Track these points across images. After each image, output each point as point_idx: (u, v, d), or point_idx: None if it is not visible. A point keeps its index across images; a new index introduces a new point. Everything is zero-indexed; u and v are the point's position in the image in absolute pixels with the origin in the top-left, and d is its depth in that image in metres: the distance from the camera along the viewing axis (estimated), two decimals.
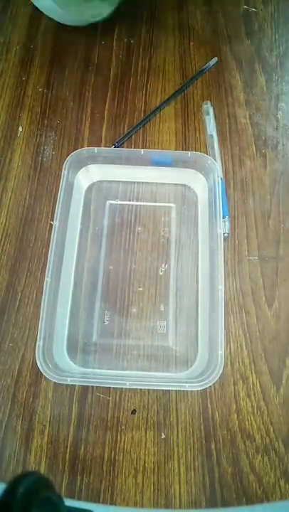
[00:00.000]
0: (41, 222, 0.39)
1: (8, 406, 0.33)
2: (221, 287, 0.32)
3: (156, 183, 0.41)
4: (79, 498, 0.30)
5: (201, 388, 0.30)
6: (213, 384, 0.30)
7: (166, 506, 0.30)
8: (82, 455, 0.32)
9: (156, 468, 0.31)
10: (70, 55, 0.47)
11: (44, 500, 0.20)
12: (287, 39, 0.49)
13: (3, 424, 0.32)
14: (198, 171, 0.39)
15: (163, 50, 0.48)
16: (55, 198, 0.37)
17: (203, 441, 0.32)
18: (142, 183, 0.41)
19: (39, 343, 0.31)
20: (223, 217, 0.36)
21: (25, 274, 0.37)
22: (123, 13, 0.50)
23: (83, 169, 0.39)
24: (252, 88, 0.45)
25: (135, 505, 0.30)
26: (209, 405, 0.33)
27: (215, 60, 0.47)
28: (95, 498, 0.30)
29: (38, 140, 0.43)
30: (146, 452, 0.32)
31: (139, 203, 0.40)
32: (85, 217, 0.39)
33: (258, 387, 0.33)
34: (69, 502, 0.23)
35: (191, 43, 0.48)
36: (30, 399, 0.33)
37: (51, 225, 0.36)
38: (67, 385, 0.33)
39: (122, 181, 0.41)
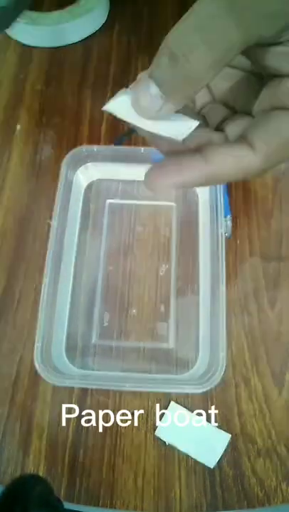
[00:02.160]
0: (40, 221, 0.39)
1: (7, 409, 0.33)
2: (223, 288, 0.32)
3: None
4: (78, 502, 0.30)
5: (202, 391, 0.30)
6: (215, 386, 0.30)
7: (167, 510, 0.30)
8: (82, 458, 0.31)
9: (156, 472, 0.31)
10: (69, 53, 0.47)
11: (43, 503, 0.20)
12: None
13: (2, 427, 0.32)
14: None
15: None
16: (53, 197, 0.36)
17: None
18: (142, 181, 0.40)
19: (37, 345, 0.30)
20: (225, 217, 0.35)
21: (24, 275, 0.37)
22: (123, 10, 0.49)
23: (82, 167, 0.39)
24: None
25: (135, 509, 0.30)
26: (210, 408, 0.32)
27: None
28: (95, 502, 0.30)
29: (36, 138, 0.42)
30: (146, 456, 0.31)
31: (139, 202, 0.39)
32: (85, 217, 0.39)
33: (260, 389, 0.33)
34: (68, 506, 0.23)
35: None
36: (29, 401, 0.33)
37: (50, 225, 0.36)
38: (66, 388, 0.33)
39: (121, 180, 0.40)
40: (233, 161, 0.17)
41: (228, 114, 0.20)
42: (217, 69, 0.16)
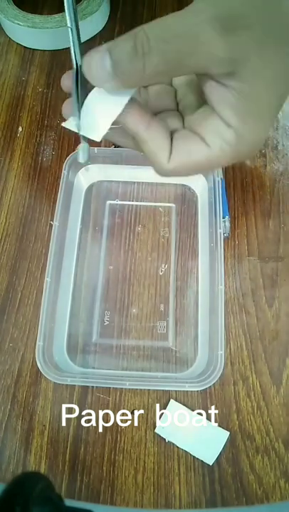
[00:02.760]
0: (41, 222, 0.39)
1: (8, 406, 0.33)
2: (222, 287, 0.32)
3: (156, 183, 0.41)
4: (79, 499, 0.30)
5: (201, 388, 0.30)
6: (213, 384, 0.30)
7: (166, 506, 0.30)
8: (82, 455, 0.32)
9: (156, 469, 0.31)
10: (70, 55, 0.47)
11: (44, 499, 0.20)
12: None
13: (3, 425, 0.32)
14: None
15: None
16: (55, 198, 0.37)
17: None
18: (142, 183, 0.41)
19: (39, 343, 0.31)
20: (223, 218, 0.36)
21: (25, 274, 0.37)
22: (123, 13, 0.50)
23: (83, 169, 0.39)
24: None
25: (135, 505, 0.30)
26: (209, 405, 0.33)
27: None
28: (95, 499, 0.30)
29: (38, 140, 0.43)
30: (146, 452, 0.32)
31: (139, 203, 0.40)
32: (85, 217, 0.39)
33: (258, 387, 0.33)
34: (69, 502, 0.23)
35: None
36: (30, 399, 0.33)
37: (51, 225, 0.36)
38: (67, 385, 0.33)
39: (122, 181, 0.41)
40: (152, 150, 0.20)
41: (180, 125, 0.22)
42: (162, 79, 0.18)
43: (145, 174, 0.40)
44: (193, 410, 0.32)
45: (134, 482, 0.31)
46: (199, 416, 0.32)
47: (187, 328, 0.35)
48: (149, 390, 0.33)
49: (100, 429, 0.32)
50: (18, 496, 0.19)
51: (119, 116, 0.20)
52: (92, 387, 0.33)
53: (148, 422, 0.32)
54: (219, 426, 0.32)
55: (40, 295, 0.33)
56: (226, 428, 0.32)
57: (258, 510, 0.31)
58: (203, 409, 0.33)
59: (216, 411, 0.33)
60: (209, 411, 0.32)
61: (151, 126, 0.20)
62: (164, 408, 0.32)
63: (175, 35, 0.16)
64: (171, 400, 0.33)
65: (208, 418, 0.32)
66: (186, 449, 0.31)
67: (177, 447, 0.32)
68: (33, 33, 0.46)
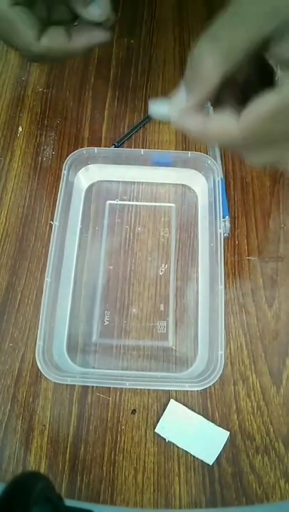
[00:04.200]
0: (41, 222, 0.39)
1: (8, 406, 0.33)
2: (221, 287, 0.32)
3: (156, 183, 0.41)
4: (79, 498, 0.30)
5: (201, 388, 0.30)
6: (213, 384, 0.30)
7: (166, 506, 0.30)
8: (82, 455, 0.32)
9: (156, 469, 0.31)
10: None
11: (44, 499, 0.20)
12: None
13: (3, 424, 0.32)
14: (198, 171, 0.39)
15: (163, 50, 0.48)
16: (55, 198, 0.37)
17: None
18: (142, 183, 0.41)
19: (39, 343, 0.31)
20: (223, 218, 0.36)
21: (25, 274, 0.37)
22: (123, 13, 0.50)
23: (83, 169, 0.39)
24: None
25: (135, 505, 0.30)
26: (209, 405, 0.33)
27: None
28: (95, 499, 0.30)
29: (38, 140, 0.43)
30: (146, 452, 0.32)
31: (139, 203, 0.40)
32: (85, 217, 0.39)
33: (258, 387, 0.33)
34: (69, 502, 0.23)
35: (191, 43, 0.48)
36: (30, 399, 0.33)
37: (51, 225, 0.36)
38: (67, 385, 0.33)
39: (122, 181, 0.41)
40: (221, 124, 0.21)
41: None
42: (224, 70, 0.19)
43: (145, 174, 0.40)
44: (193, 410, 0.32)
45: (134, 482, 0.31)
46: (199, 416, 0.32)
47: (187, 328, 0.35)
48: (149, 389, 0.33)
49: (100, 429, 0.32)
50: (18, 495, 0.19)
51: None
52: (92, 387, 0.33)
53: (148, 422, 0.32)
54: (219, 426, 0.32)
55: (40, 295, 0.33)
56: (226, 428, 0.32)
57: (258, 510, 0.31)
58: (203, 409, 0.33)
59: (216, 411, 0.33)
60: (209, 411, 0.33)
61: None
62: (164, 408, 0.32)
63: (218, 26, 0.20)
64: (171, 400, 0.33)
65: (208, 418, 0.32)
66: (186, 449, 0.31)
67: (177, 447, 0.32)
68: None
